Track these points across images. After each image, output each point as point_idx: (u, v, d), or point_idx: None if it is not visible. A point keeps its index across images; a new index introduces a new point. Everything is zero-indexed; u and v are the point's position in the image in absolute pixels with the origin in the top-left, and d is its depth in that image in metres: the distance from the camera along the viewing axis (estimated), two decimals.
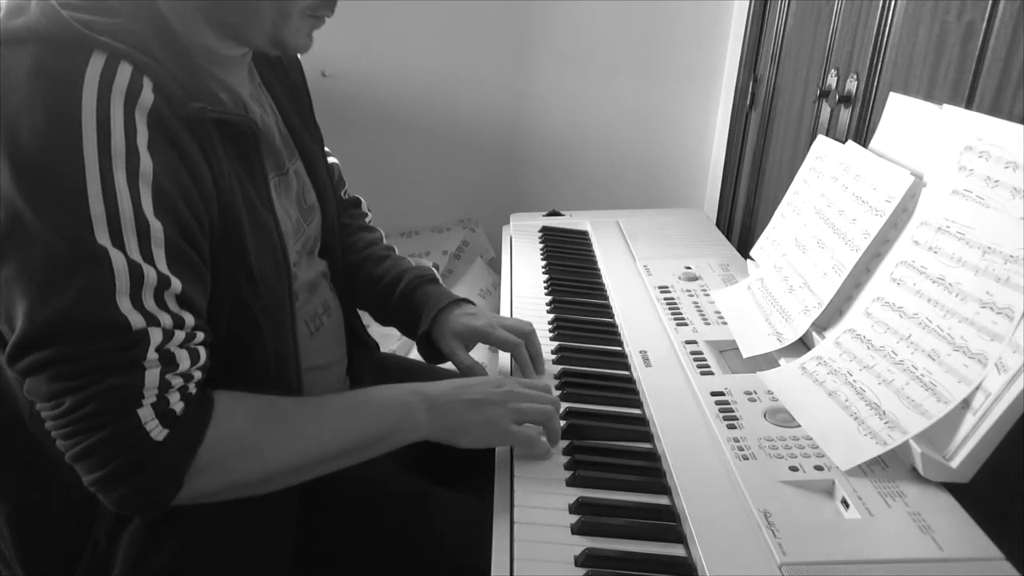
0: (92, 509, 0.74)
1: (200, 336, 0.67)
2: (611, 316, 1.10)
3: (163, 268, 0.63)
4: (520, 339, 0.93)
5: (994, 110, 0.89)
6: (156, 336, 0.63)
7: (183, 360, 0.65)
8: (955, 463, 0.69)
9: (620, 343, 1.02)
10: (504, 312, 1.13)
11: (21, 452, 0.74)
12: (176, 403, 0.64)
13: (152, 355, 0.62)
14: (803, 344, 0.94)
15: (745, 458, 0.76)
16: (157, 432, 0.63)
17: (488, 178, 2.15)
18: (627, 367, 0.96)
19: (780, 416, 0.83)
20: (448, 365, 1.00)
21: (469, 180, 2.15)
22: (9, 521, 0.77)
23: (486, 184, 2.15)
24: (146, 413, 0.62)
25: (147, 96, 0.64)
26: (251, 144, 0.74)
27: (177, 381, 0.64)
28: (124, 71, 0.63)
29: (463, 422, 0.77)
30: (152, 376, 0.63)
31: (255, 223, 0.74)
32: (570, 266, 1.27)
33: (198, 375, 0.67)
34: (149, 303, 0.62)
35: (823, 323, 0.92)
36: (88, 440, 0.61)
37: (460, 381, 0.82)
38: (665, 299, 1.12)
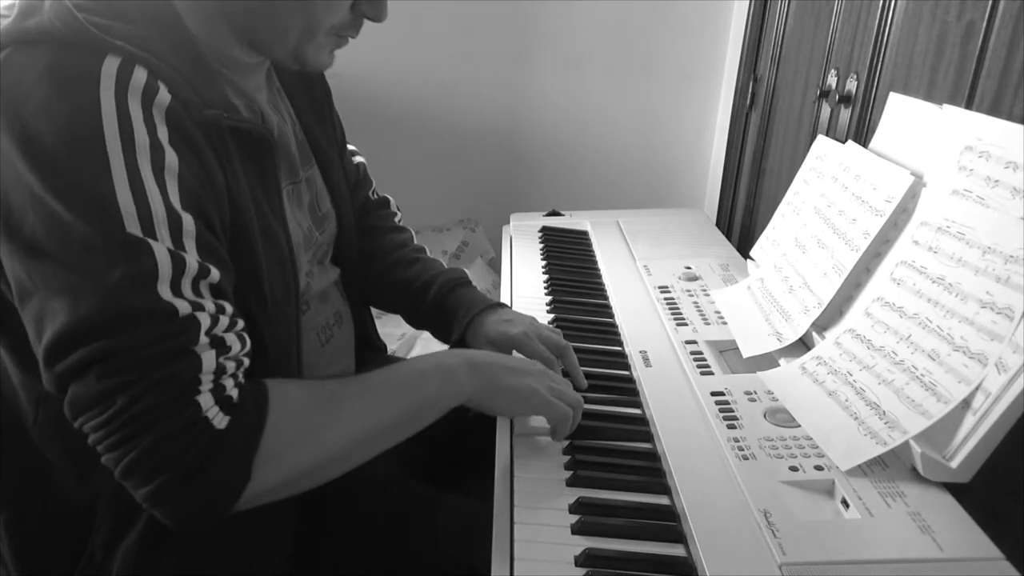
0: (90, 520, 0.74)
1: (240, 323, 0.65)
2: (611, 316, 1.10)
3: (198, 258, 0.62)
4: (556, 356, 0.91)
5: (994, 110, 0.89)
6: (205, 320, 0.61)
7: (233, 344, 0.63)
8: (955, 463, 0.69)
9: (620, 343, 1.02)
10: None
11: (22, 459, 0.74)
12: (232, 389, 0.62)
13: (203, 339, 0.60)
14: (803, 344, 0.94)
15: (745, 458, 0.76)
16: (219, 420, 0.60)
17: (488, 178, 2.15)
18: (627, 367, 0.96)
19: (780, 416, 0.83)
20: None
21: (469, 180, 2.15)
22: (7, 527, 0.77)
23: (486, 184, 2.15)
24: (206, 400, 0.59)
25: (164, 96, 0.63)
26: (266, 152, 0.73)
27: (230, 366, 0.62)
28: (139, 74, 0.62)
29: (504, 385, 0.78)
30: (208, 360, 0.60)
31: (266, 234, 0.73)
32: (570, 266, 1.27)
33: (246, 361, 0.65)
34: (188, 291, 0.61)
35: (823, 323, 0.92)
36: (145, 441, 0.57)
37: (495, 353, 0.84)
38: (665, 299, 1.12)
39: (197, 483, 0.59)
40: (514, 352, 0.94)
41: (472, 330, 0.96)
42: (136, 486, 0.59)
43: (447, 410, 0.76)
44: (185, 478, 0.58)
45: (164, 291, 0.59)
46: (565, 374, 0.91)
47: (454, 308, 0.99)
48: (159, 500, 0.59)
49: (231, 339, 0.63)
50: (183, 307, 0.60)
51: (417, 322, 1.06)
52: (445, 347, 1.01)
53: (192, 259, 0.61)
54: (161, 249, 0.60)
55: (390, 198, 1.14)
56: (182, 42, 0.68)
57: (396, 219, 1.13)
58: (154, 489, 0.58)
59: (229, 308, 0.64)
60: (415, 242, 1.10)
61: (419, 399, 0.75)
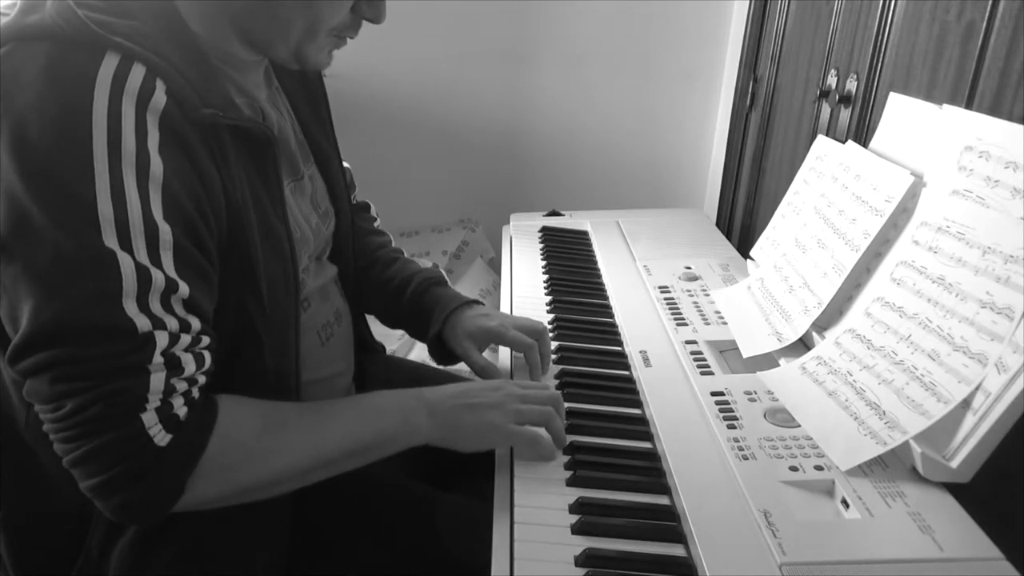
0: (86, 519, 0.74)
1: (205, 340, 0.66)
2: (611, 316, 1.10)
3: (171, 272, 0.62)
4: (533, 340, 0.93)
5: (994, 110, 0.89)
6: (162, 340, 0.62)
7: (188, 364, 0.64)
8: (955, 463, 0.69)
9: (620, 343, 1.02)
10: (504, 312, 1.13)
11: (15, 459, 0.74)
12: (180, 407, 0.63)
13: (158, 359, 0.61)
14: (803, 344, 0.94)
15: (745, 458, 0.76)
16: (160, 437, 0.62)
17: (488, 178, 2.14)
18: (627, 367, 0.96)
19: (780, 416, 0.83)
20: (461, 366, 0.99)
21: (469, 180, 2.14)
22: (4, 527, 0.77)
23: (486, 184, 2.15)
24: (150, 418, 0.61)
25: (159, 98, 0.63)
26: (266, 150, 0.73)
27: (182, 386, 0.64)
28: (137, 72, 0.62)
29: (462, 425, 0.77)
30: (157, 380, 0.62)
31: (266, 232, 0.73)
32: (570, 266, 1.27)
33: (202, 379, 0.66)
34: (155, 306, 0.61)
35: (823, 323, 0.92)
36: (89, 445, 0.60)
37: (459, 386, 0.82)
38: (665, 299, 1.12)
39: (132, 489, 0.62)
40: (492, 344, 0.96)
41: (450, 326, 0.97)
42: (79, 478, 0.62)
43: (402, 450, 0.76)
44: (122, 483, 0.61)
45: (129, 306, 0.60)
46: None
47: (431, 306, 1.00)
48: (97, 495, 0.62)
49: (188, 359, 0.64)
50: (143, 324, 0.61)
51: (393, 321, 1.07)
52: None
53: (161, 274, 0.61)
54: (129, 263, 0.60)
55: (370, 203, 1.16)
56: (184, 40, 0.68)
57: (375, 223, 1.14)
58: (93, 484, 0.61)
59: (196, 324, 0.65)
60: (393, 245, 1.12)
61: (371, 437, 0.75)
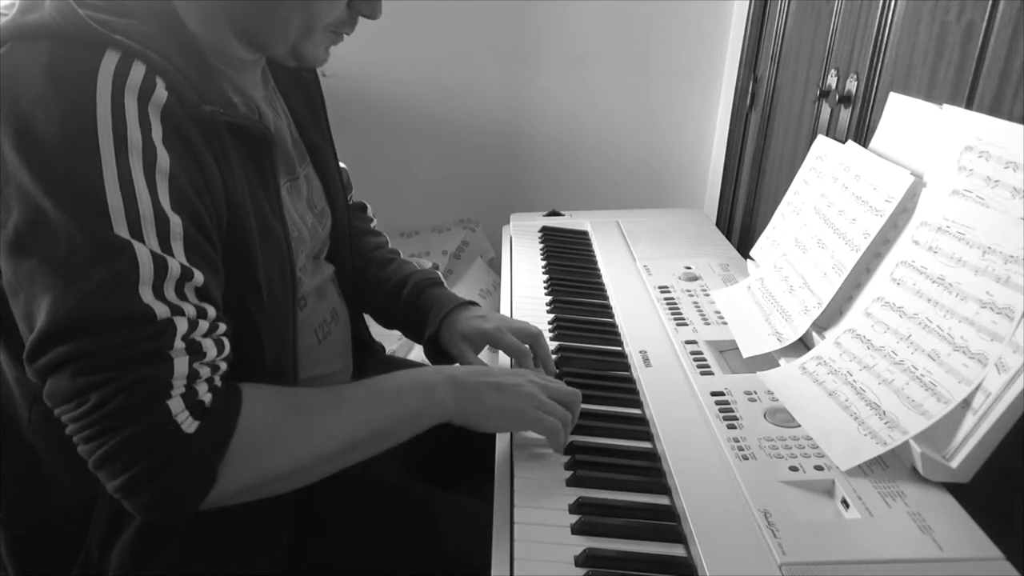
0: (86, 519, 0.74)
1: (222, 327, 0.66)
2: (611, 316, 1.10)
3: (183, 261, 0.62)
4: (527, 347, 0.93)
5: (994, 110, 0.89)
6: (182, 325, 0.61)
7: (210, 349, 0.63)
8: (955, 463, 0.69)
9: (620, 343, 1.02)
10: (504, 313, 1.13)
11: (17, 459, 0.74)
12: (204, 394, 0.63)
13: (179, 344, 0.61)
14: (803, 344, 0.94)
15: (745, 458, 0.76)
16: (188, 424, 0.61)
17: (488, 178, 2.15)
18: (627, 367, 0.96)
19: (780, 416, 0.83)
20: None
21: (469, 180, 2.15)
22: (5, 527, 0.77)
23: (486, 184, 2.15)
24: (176, 404, 0.60)
25: (160, 93, 0.63)
26: (263, 149, 0.74)
27: (205, 371, 0.63)
28: (137, 70, 0.63)
29: (489, 404, 0.77)
30: (181, 365, 0.61)
31: (264, 230, 0.73)
32: (570, 266, 1.27)
33: (224, 366, 0.66)
34: (171, 294, 0.61)
35: (823, 323, 0.92)
36: (115, 438, 0.59)
37: (480, 366, 0.82)
38: (665, 299, 1.12)
39: (163, 482, 0.60)
40: (487, 348, 0.96)
41: (446, 326, 0.97)
42: (106, 478, 0.61)
43: (426, 428, 0.76)
44: (152, 476, 0.60)
45: (145, 294, 0.60)
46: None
47: (427, 306, 1.00)
48: (126, 493, 0.61)
49: (208, 344, 0.64)
50: (161, 311, 0.60)
51: (389, 321, 1.07)
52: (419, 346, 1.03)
53: (176, 262, 0.61)
54: (144, 251, 0.60)
55: (367, 204, 1.16)
56: (182, 39, 0.69)
57: (372, 224, 1.15)
58: (122, 483, 0.60)
59: (212, 312, 0.64)
60: (390, 246, 1.12)
61: (396, 416, 0.74)
